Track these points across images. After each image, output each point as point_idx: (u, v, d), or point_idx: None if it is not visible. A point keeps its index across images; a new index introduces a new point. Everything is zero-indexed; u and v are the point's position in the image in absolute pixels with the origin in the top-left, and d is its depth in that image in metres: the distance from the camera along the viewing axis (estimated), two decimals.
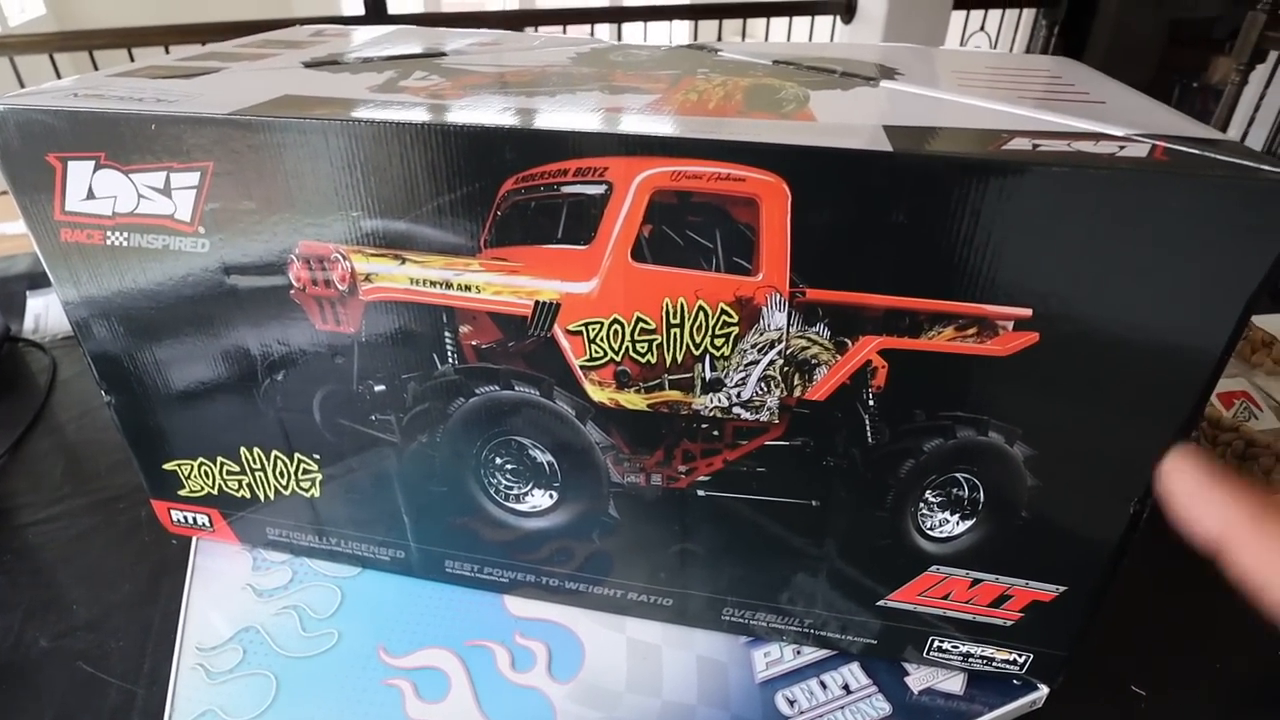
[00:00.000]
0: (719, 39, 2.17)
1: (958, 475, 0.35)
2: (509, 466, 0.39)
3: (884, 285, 0.30)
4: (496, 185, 0.31)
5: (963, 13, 2.29)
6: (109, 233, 0.36)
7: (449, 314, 0.35)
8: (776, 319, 0.32)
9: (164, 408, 0.42)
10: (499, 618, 0.43)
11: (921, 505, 0.36)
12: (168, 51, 1.82)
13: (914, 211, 0.28)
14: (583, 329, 0.34)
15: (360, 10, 1.93)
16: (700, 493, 0.37)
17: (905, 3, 1.98)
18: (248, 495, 0.45)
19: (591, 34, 2.15)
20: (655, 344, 0.33)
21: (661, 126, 0.30)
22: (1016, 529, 0.35)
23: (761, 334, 0.32)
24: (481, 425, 0.38)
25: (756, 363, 0.33)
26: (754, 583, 0.40)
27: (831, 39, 2.20)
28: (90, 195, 0.36)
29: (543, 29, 2.09)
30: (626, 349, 0.34)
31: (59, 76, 1.80)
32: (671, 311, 0.32)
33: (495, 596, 0.44)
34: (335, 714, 0.38)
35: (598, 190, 0.30)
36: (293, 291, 0.36)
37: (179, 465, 0.44)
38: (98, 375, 0.42)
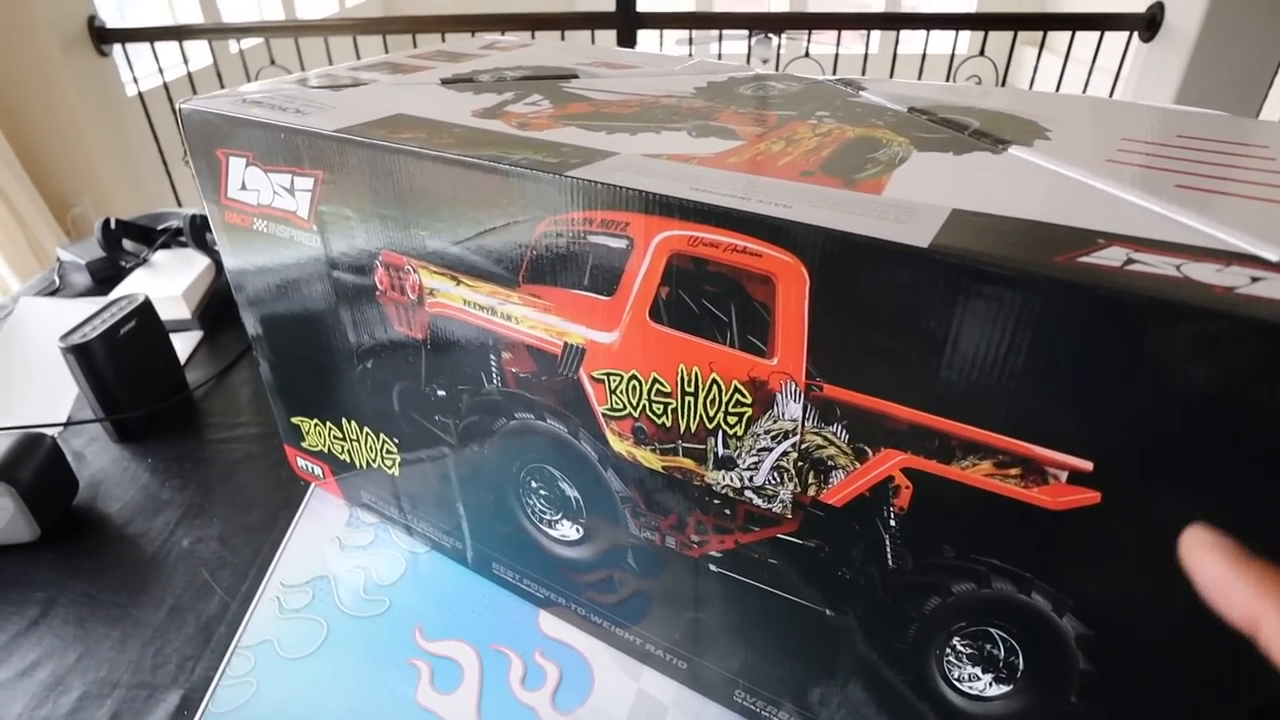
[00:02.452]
0: (1010, 55, 1.96)
1: (992, 631, 0.29)
2: (543, 492, 0.40)
3: (910, 396, 0.26)
4: (534, 225, 0.31)
5: None
6: (255, 219, 0.42)
7: (494, 338, 0.36)
8: (791, 409, 0.29)
9: (292, 370, 0.48)
10: (529, 630, 0.44)
11: (949, 651, 0.31)
12: (444, 39, 2.05)
13: (947, 320, 0.24)
14: (605, 378, 0.33)
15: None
16: (712, 567, 0.35)
17: (1225, 17, 1.64)
18: (348, 460, 0.50)
19: (867, 43, 2.06)
20: (670, 408, 0.32)
21: (691, 185, 0.28)
22: (1063, 714, 0.29)
23: (775, 421, 0.29)
24: (519, 449, 0.39)
25: (769, 450, 0.30)
26: (767, 674, 0.37)
27: (1122, 60, 1.90)
28: (243, 187, 0.41)
29: (815, 42, 2.03)
30: (644, 406, 0.32)
31: (358, 56, 2.10)
32: (686, 379, 0.31)
33: (532, 608, 0.46)
34: (361, 677, 0.42)
35: (620, 244, 0.29)
36: (378, 293, 0.39)
37: (301, 421, 0.51)
38: (249, 333, 0.48)
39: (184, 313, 0.74)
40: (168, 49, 2.18)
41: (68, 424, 0.62)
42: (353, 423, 0.47)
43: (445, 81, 0.44)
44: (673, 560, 0.36)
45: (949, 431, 0.26)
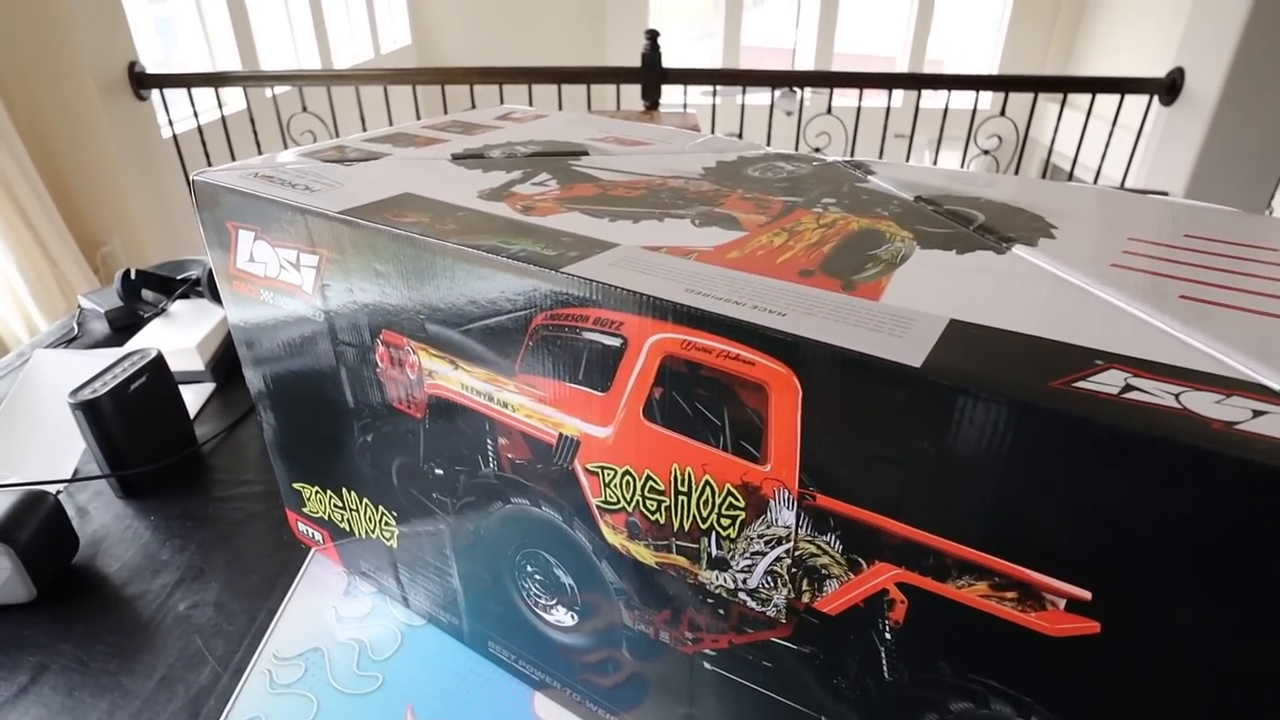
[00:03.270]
0: (1031, 113, 1.97)
1: None
2: (538, 577, 0.39)
3: (904, 512, 0.25)
4: (529, 318, 0.31)
5: None
6: (262, 290, 0.42)
7: (490, 423, 0.36)
8: (784, 516, 0.28)
9: (294, 436, 0.48)
10: (523, 714, 0.43)
11: None
12: (472, 91, 2.10)
13: (941, 440, 0.23)
14: (600, 471, 0.33)
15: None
16: (706, 665, 0.34)
17: (1245, 83, 1.63)
18: (347, 528, 0.49)
19: (889, 99, 2.08)
20: (664, 505, 0.31)
21: (687, 286, 0.28)
22: None
23: (769, 527, 0.29)
24: (515, 533, 0.38)
25: (763, 554, 0.29)
26: None
27: (1142, 123, 1.90)
28: (251, 259, 0.42)
29: (837, 93, 2.06)
30: (638, 502, 0.32)
31: (387, 104, 2.14)
32: (680, 478, 0.30)
33: (527, 692, 0.45)
34: None
35: (614, 342, 0.29)
36: (379, 369, 0.39)
37: (303, 487, 0.51)
38: (253, 394, 0.49)
39: (197, 364, 0.75)
40: (204, 93, 2.25)
41: (72, 479, 0.62)
42: (352, 493, 0.47)
43: (456, 157, 0.45)
44: (667, 654, 0.35)
45: (943, 550, 0.25)
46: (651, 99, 2.04)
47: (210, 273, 0.83)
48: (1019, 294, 0.28)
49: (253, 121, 2.24)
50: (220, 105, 2.23)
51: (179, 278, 0.87)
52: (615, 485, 0.32)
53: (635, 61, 2.02)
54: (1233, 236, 0.34)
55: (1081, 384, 0.22)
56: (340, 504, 0.48)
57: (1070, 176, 2.78)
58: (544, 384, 0.32)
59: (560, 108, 1.90)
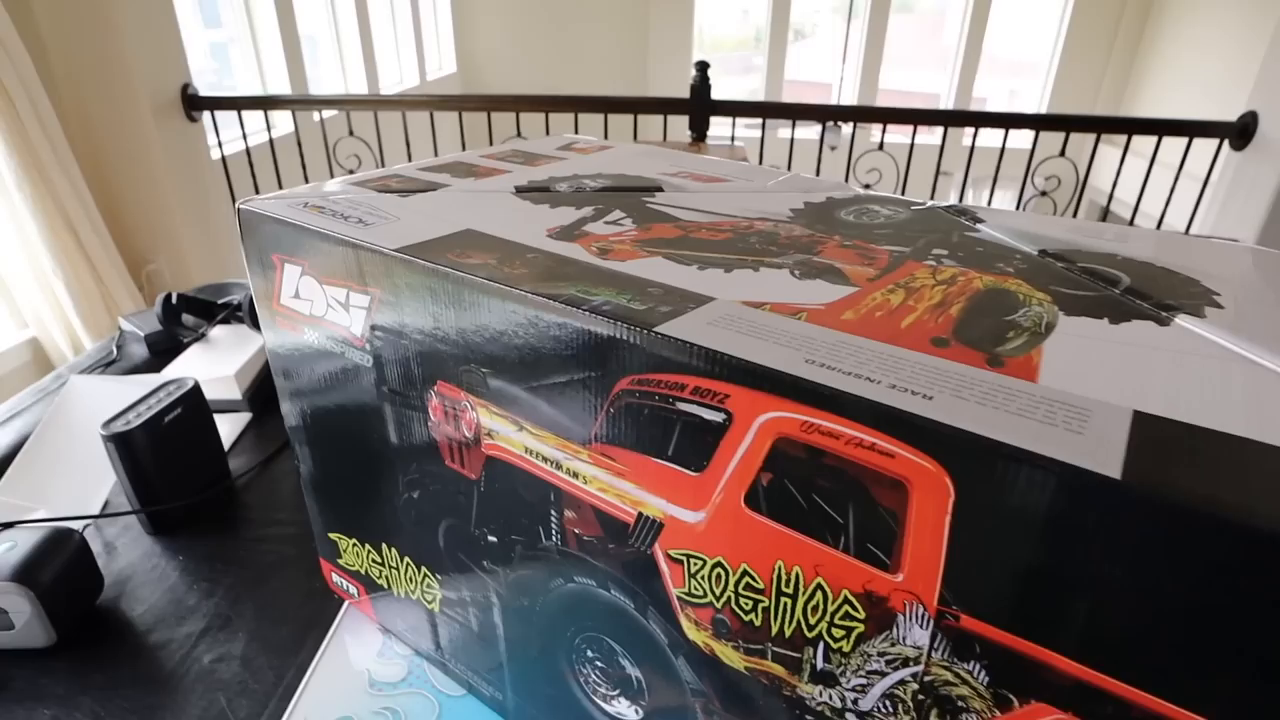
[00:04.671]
0: (1092, 156, 1.90)
1: None
2: (599, 664, 0.35)
3: (1079, 649, 0.21)
4: (612, 381, 0.27)
5: None
6: (306, 328, 0.39)
7: (556, 493, 0.32)
8: (915, 635, 0.23)
9: (332, 485, 0.45)
10: None
11: None
12: (518, 118, 2.10)
13: (1141, 570, 0.19)
14: (684, 559, 0.28)
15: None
16: None
17: None
18: (385, 585, 0.45)
19: (944, 138, 2.03)
20: (761, 606, 0.27)
21: (806, 355, 0.24)
22: None
23: (893, 645, 0.24)
24: (576, 614, 0.34)
25: (882, 674, 0.25)
26: None
27: (1211, 168, 1.82)
28: (297, 295, 0.38)
29: (873, 127, 2.02)
30: (729, 598, 0.27)
31: (433, 130, 2.15)
32: (784, 577, 0.26)
33: None
34: None
35: (716, 417, 0.25)
36: (430, 423, 0.35)
37: (339, 538, 0.47)
38: (291, 439, 0.45)
39: (234, 393, 0.73)
40: (253, 116, 2.28)
41: (100, 515, 0.60)
42: (393, 550, 0.43)
43: (520, 190, 0.42)
44: None
45: (1130, 699, 0.20)
46: (699, 130, 2.02)
47: (251, 299, 0.80)
48: (1206, 378, 0.23)
49: (300, 145, 2.26)
50: (269, 128, 2.25)
51: (220, 302, 0.85)
52: (703, 577, 0.28)
53: (677, 92, 2.00)
54: None
55: None
56: (379, 559, 0.45)
57: (1131, 222, 2.70)
58: (625, 456, 0.28)
59: (606, 137, 1.89)
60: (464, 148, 2.22)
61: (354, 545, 0.46)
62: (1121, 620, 0.20)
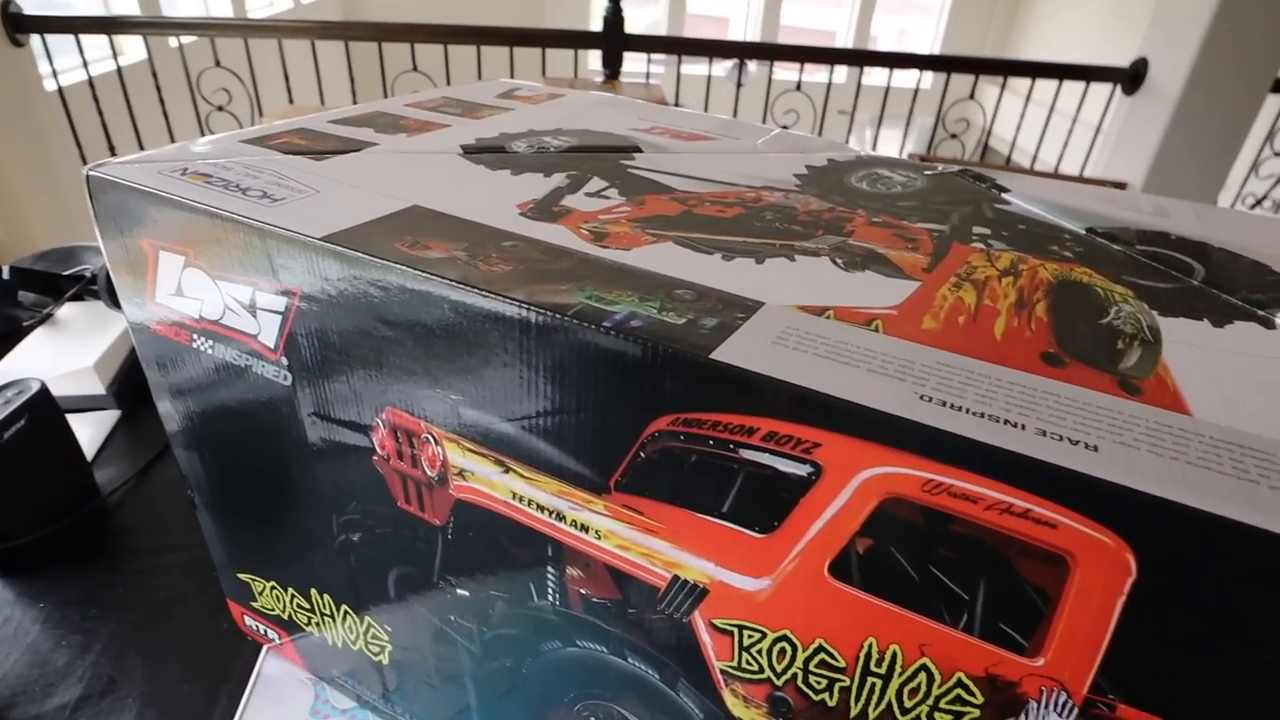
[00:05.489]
0: (972, 94, 1.92)
1: None
2: None
3: None
4: (644, 418, 0.21)
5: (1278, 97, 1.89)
6: (195, 336, 0.30)
7: (555, 547, 0.25)
8: None
9: (240, 521, 0.36)
10: None
11: None
12: (413, 49, 1.92)
13: None
14: (735, 630, 0.23)
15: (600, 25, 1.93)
16: None
17: (1212, 78, 1.64)
18: (315, 634, 0.38)
19: (830, 74, 2.01)
20: (839, 685, 0.22)
21: (918, 389, 0.18)
22: None
23: None
24: (579, 681, 0.28)
25: None
26: None
27: (1104, 115, 1.90)
28: (179, 292, 0.29)
29: (778, 65, 1.97)
30: (795, 676, 0.22)
31: (315, 62, 1.94)
32: (876, 656, 0.20)
33: None
34: None
35: (799, 470, 0.19)
36: (375, 458, 0.28)
37: (252, 579, 0.39)
38: (182, 467, 0.36)
39: (96, 388, 0.61)
40: (96, 42, 1.98)
41: None
42: (326, 597, 0.35)
43: (469, 151, 0.33)
44: None
45: None
46: (613, 68, 1.90)
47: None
48: None
49: (155, 76, 1.98)
50: (115, 55, 1.96)
51: (67, 274, 0.71)
52: (760, 651, 0.22)
53: (573, 24, 1.88)
54: None
55: None
56: (306, 605, 0.37)
57: (1008, 161, 2.79)
58: (658, 511, 0.22)
59: (512, 73, 1.75)
60: (353, 84, 2.00)
61: (273, 589, 0.38)
62: None
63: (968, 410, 0.18)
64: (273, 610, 0.39)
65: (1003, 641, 0.19)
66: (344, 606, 0.35)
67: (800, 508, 0.19)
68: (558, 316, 0.21)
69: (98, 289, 0.69)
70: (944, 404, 0.18)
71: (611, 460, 0.22)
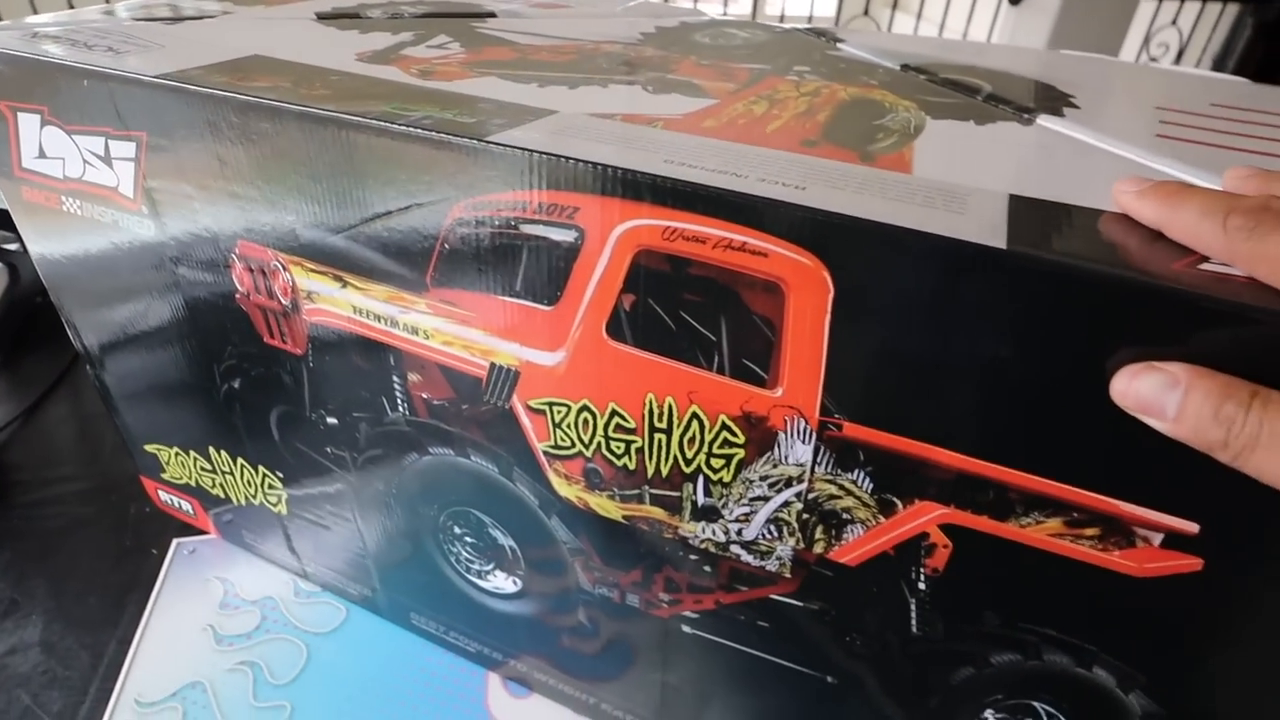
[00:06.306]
0: (866, 10, 1.94)
1: (1037, 705, 0.24)
2: (469, 539, 0.32)
3: (961, 440, 0.20)
4: (445, 208, 0.23)
5: (1151, 4, 1.92)
6: (64, 197, 0.32)
7: (396, 356, 0.28)
8: (798, 452, 0.22)
9: (136, 390, 0.38)
10: (476, 716, 0.36)
11: None
12: None
13: (1024, 342, 0.18)
14: (546, 409, 0.26)
15: None
16: (685, 629, 0.29)
17: None
18: (221, 495, 0.40)
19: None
20: (634, 447, 0.25)
21: (664, 157, 0.21)
22: None
23: (775, 466, 0.23)
24: (437, 490, 0.31)
25: (765, 499, 0.23)
26: None
27: (993, 26, 1.91)
28: (42, 154, 0.31)
29: None
30: (599, 444, 0.25)
31: None
32: (656, 412, 0.24)
33: (479, 686, 0.37)
34: None
35: (566, 236, 0.22)
36: (238, 295, 0.30)
37: (158, 450, 0.41)
38: (76, 345, 0.38)
39: None
40: None
41: None
42: (223, 453, 0.38)
43: (323, 16, 0.35)
44: (636, 619, 0.30)
45: (1009, 482, 0.20)
46: None
47: None
48: (1073, 168, 0.23)
49: None
50: None
51: None
52: (569, 425, 0.25)
53: None
54: (1257, 105, 0.29)
55: (1208, 266, 0.17)
56: (209, 466, 0.39)
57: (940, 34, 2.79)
58: (467, 299, 0.25)
59: None
60: None
61: (177, 455, 0.40)
62: (1004, 404, 0.19)
63: (704, 168, 0.20)
64: (180, 479, 0.41)
65: (750, 378, 0.22)
66: (240, 459, 0.37)
67: (574, 275, 0.22)
68: (362, 120, 0.23)
69: None
70: (684, 164, 0.20)
71: (424, 256, 0.24)
